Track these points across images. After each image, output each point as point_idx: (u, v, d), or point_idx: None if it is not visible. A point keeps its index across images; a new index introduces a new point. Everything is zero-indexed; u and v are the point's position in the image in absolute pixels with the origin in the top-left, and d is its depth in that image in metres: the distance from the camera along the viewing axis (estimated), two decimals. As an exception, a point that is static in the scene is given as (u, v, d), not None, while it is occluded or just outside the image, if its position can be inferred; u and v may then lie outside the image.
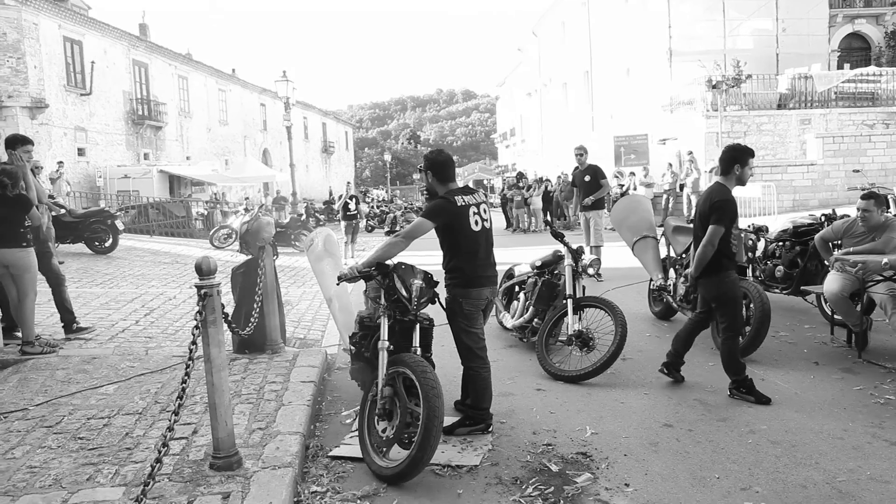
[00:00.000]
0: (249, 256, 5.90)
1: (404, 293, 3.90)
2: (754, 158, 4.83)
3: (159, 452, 2.77)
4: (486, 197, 4.34)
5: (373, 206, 28.21)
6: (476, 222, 4.13)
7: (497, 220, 23.59)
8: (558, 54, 35.44)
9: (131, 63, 28.80)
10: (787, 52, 22.86)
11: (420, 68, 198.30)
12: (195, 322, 3.25)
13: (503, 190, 26.06)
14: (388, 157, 60.23)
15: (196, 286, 3.38)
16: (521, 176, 23.70)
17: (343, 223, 15.13)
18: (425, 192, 4.38)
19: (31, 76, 22.84)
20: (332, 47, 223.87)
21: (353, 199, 15.03)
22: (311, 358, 5.69)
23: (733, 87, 20.00)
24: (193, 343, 3.16)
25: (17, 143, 5.90)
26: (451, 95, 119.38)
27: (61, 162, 20.46)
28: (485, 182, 48.67)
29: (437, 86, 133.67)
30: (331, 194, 35.97)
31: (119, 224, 13.38)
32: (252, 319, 5.07)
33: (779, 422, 4.33)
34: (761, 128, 20.52)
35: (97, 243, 13.06)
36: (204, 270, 3.40)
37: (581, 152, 10.46)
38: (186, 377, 3.00)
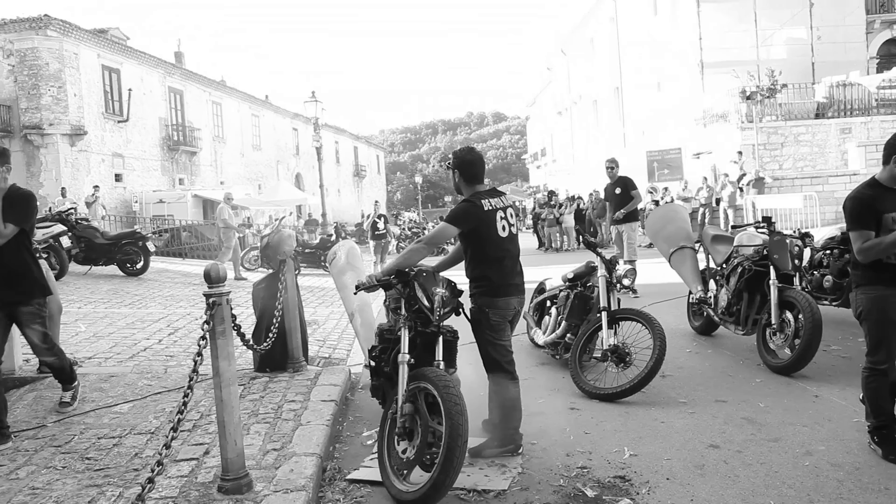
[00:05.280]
0: (272, 271, 5.74)
1: (426, 302, 3.65)
2: None
3: (152, 471, 2.56)
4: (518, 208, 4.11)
5: (404, 229, 28.19)
6: (504, 227, 3.88)
7: (529, 240, 23.27)
8: (587, 71, 35.20)
9: (167, 90, 29.42)
10: (824, 61, 22.22)
11: (451, 92, 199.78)
12: (202, 332, 3.06)
13: (534, 209, 25.73)
14: (418, 178, 60.40)
15: (204, 294, 3.20)
16: (552, 194, 23.37)
17: (372, 243, 15.01)
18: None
19: (70, 104, 23.44)
20: (363, 73, 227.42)
21: (382, 219, 14.90)
22: (333, 376, 5.47)
23: (768, 97, 19.46)
24: (199, 354, 2.95)
25: None
26: (482, 118, 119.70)
27: (97, 186, 20.86)
28: (517, 203, 48.51)
29: (468, 109, 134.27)
30: (363, 217, 36.05)
31: (150, 246, 13.43)
32: (270, 334, 4.87)
33: (838, 442, 3.94)
34: (799, 138, 19.89)
35: (129, 265, 13.12)
36: (213, 278, 3.21)
37: (612, 165, 10.17)
38: (189, 391, 2.80)
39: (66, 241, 11.98)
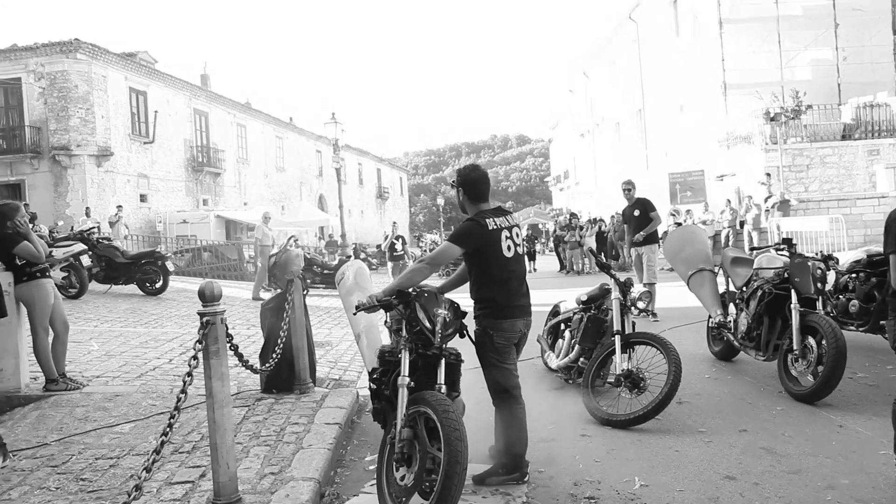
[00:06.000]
0: (279, 290, 5.69)
1: (427, 324, 3.54)
2: None
3: (128, 496, 2.47)
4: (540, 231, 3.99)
5: (426, 250, 28.22)
6: (509, 247, 3.77)
7: (551, 262, 23.03)
8: (610, 93, 35.12)
9: (192, 112, 29.91)
10: (850, 82, 21.85)
11: (475, 115, 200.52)
12: (193, 353, 2.98)
13: (555, 231, 25.57)
14: (440, 200, 60.46)
15: (198, 313, 3.13)
16: (573, 216, 23.19)
17: (390, 264, 14.98)
18: None
19: (98, 126, 23.91)
20: (387, 96, 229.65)
21: (399, 240, 14.87)
22: (339, 399, 5.37)
23: (793, 118, 19.16)
24: (188, 374, 2.88)
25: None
26: (506, 141, 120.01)
27: (120, 206, 21.14)
28: (539, 226, 48.26)
29: (492, 132, 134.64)
30: (384, 238, 36.17)
31: (169, 265, 13.52)
32: (274, 354, 4.80)
33: (863, 476, 3.73)
34: (825, 160, 19.53)
35: (148, 284, 13.21)
36: (207, 296, 3.15)
37: (629, 187, 10.01)
38: (176, 412, 2.72)
39: (86, 260, 12.11)
